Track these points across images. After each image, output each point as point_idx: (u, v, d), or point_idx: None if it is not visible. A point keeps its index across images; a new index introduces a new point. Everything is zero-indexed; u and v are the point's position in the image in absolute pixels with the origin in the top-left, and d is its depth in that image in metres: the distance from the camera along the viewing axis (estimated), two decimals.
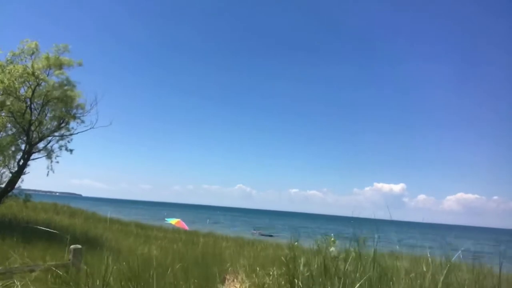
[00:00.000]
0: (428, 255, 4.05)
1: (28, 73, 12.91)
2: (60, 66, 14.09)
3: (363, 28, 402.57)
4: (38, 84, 13.51)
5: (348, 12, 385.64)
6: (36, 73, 13.06)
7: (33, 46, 13.60)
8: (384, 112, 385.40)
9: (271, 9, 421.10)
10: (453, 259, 3.85)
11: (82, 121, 14.79)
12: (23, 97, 13.46)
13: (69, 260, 5.03)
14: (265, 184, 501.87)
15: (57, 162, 14.98)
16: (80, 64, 14.61)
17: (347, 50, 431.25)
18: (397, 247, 5.45)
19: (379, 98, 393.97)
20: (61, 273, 4.61)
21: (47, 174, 14.85)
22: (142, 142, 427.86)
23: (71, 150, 15.12)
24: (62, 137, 14.95)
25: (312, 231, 45.03)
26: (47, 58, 13.66)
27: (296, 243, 5.72)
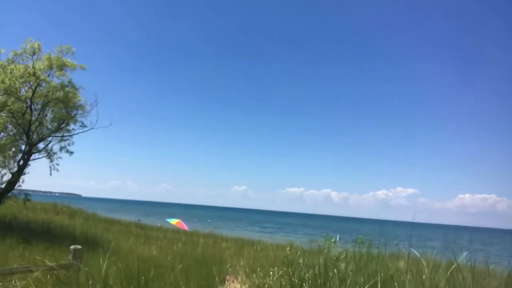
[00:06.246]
0: (430, 256, 4.04)
1: (29, 73, 12.90)
2: (62, 67, 14.05)
3: (363, 27, 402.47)
4: (39, 85, 13.49)
5: (347, 9, 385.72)
6: (37, 74, 13.04)
7: (35, 46, 13.56)
8: (385, 111, 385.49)
9: (268, 7, 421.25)
10: (454, 259, 3.84)
11: (84, 125, 14.76)
12: (23, 97, 13.45)
13: (69, 260, 5.02)
14: (263, 184, 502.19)
15: (57, 164, 15.04)
16: (83, 68, 14.54)
17: (348, 48, 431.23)
18: (400, 247, 5.43)
19: (380, 97, 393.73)
20: (61, 274, 4.60)
21: (50, 174, 14.91)
22: (138, 142, 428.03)
23: (71, 152, 15.16)
24: (62, 137, 14.95)
25: (313, 231, 45.03)
26: (49, 59, 13.62)
27: (296, 243, 5.72)
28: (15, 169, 14.02)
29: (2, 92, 12.66)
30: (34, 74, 12.96)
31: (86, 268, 4.70)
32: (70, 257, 5.00)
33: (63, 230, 14.42)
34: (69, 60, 14.10)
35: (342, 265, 4.27)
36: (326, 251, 5.13)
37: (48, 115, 14.57)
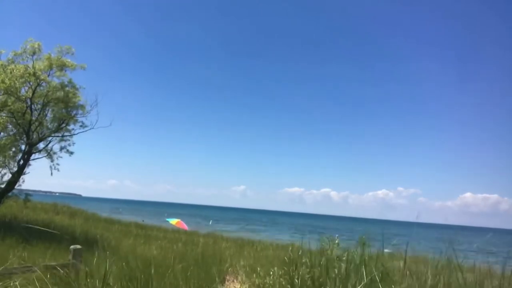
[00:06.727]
0: (430, 255, 4.03)
1: (29, 73, 12.90)
2: (61, 67, 14.05)
3: (363, 27, 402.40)
4: (39, 85, 13.50)
5: (348, 9, 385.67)
6: (37, 74, 13.04)
7: (36, 46, 13.56)
8: (385, 111, 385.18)
9: (268, 7, 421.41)
10: (455, 259, 3.83)
11: (84, 125, 14.80)
12: (23, 97, 13.46)
13: (69, 260, 5.01)
14: (263, 184, 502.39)
15: (58, 164, 15.06)
16: (83, 68, 14.55)
17: (348, 48, 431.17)
18: (400, 247, 5.43)
19: (380, 97, 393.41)
20: (61, 274, 4.59)
21: (51, 173, 14.96)
22: (138, 142, 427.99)
23: (71, 153, 15.19)
24: (62, 137, 14.97)
25: (313, 231, 45.06)
26: (49, 59, 13.63)
27: (296, 243, 5.71)
28: (15, 169, 14.04)
29: (2, 92, 12.67)
30: (34, 74, 12.97)
31: (86, 268, 4.69)
32: (70, 256, 5.00)
33: (63, 230, 14.41)
34: (69, 60, 14.12)
35: (343, 265, 4.26)
36: (327, 251, 5.13)
37: (48, 115, 14.62)
